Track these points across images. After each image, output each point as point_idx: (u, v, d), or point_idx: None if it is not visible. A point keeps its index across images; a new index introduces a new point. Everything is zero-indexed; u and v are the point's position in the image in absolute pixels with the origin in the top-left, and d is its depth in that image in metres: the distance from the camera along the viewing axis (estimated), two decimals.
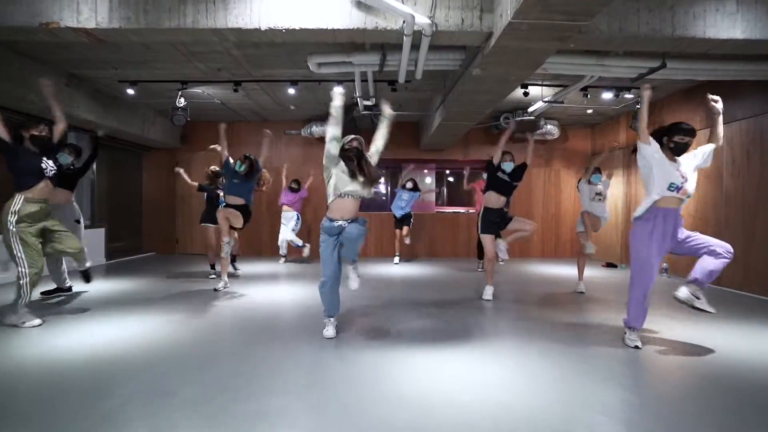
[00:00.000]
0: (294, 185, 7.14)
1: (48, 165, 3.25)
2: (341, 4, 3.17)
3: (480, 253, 6.53)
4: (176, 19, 3.17)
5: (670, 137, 2.91)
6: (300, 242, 6.97)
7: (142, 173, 8.69)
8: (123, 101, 6.71)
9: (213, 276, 5.56)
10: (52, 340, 2.93)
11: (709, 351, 2.88)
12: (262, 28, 3.20)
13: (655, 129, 3.05)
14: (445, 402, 2.08)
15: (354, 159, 2.86)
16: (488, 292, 4.44)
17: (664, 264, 6.29)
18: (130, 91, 6.03)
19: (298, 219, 7.06)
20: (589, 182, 5.01)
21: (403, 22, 3.11)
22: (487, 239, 4.39)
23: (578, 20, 2.73)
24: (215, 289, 4.66)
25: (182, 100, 6.15)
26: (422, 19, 3.10)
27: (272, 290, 4.91)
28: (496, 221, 4.40)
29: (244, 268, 6.43)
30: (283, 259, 7.30)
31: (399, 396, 2.14)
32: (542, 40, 3.04)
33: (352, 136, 2.96)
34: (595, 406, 2.05)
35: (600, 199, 4.99)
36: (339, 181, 2.87)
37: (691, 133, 2.89)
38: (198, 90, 6.32)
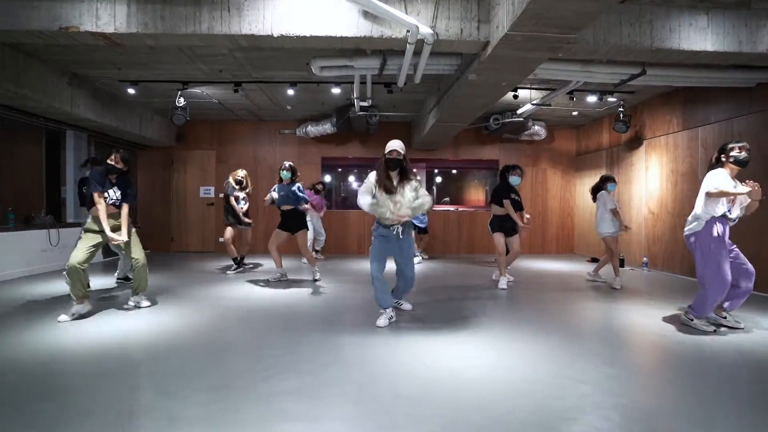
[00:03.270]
0: (318, 187, 7.31)
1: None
2: (350, 13, 3.39)
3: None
4: (192, 25, 3.34)
5: (726, 155, 3.18)
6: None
7: (138, 171, 8.72)
8: (122, 100, 6.78)
9: (235, 269, 6.08)
10: (85, 329, 3.09)
11: (695, 334, 3.20)
12: (275, 35, 3.39)
13: (711, 162, 3.31)
14: (450, 378, 2.33)
15: (394, 169, 3.26)
16: (503, 282, 4.92)
17: (644, 258, 6.69)
18: (131, 91, 6.12)
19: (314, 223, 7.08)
20: (600, 190, 5.20)
21: (407, 31, 3.34)
22: (496, 236, 4.97)
23: (568, 33, 3.00)
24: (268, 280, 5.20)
25: (182, 99, 6.26)
26: (425, 29, 3.34)
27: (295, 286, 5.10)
28: (503, 224, 4.94)
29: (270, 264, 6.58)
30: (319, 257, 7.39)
31: (411, 373, 2.38)
32: (535, 50, 3.31)
33: (396, 145, 3.27)
34: (585, 380, 2.33)
35: (619, 209, 5.17)
36: (381, 209, 3.23)
37: (746, 147, 3.16)
38: (197, 90, 6.44)
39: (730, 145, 3.18)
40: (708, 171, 3.26)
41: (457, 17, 3.44)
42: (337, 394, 2.12)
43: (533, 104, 6.42)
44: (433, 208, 7.55)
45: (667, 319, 3.56)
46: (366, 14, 3.39)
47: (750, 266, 3.22)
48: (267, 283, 5.04)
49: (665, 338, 3.08)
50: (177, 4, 3.33)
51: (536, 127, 8.18)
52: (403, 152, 3.27)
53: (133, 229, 3.92)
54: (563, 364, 2.54)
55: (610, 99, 6.50)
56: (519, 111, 6.95)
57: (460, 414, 1.92)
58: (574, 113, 7.64)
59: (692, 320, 3.27)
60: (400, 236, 3.28)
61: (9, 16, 3.22)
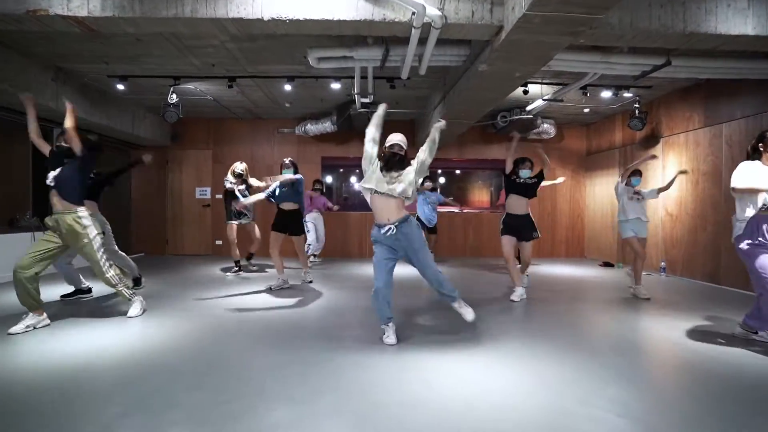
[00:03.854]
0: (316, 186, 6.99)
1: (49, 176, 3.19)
2: None
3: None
4: (174, 7, 3.02)
5: (765, 143, 2.86)
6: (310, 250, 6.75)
7: (131, 172, 8.41)
8: (112, 97, 6.48)
9: (235, 271, 5.93)
10: (48, 345, 2.76)
11: (713, 347, 2.84)
12: (265, 18, 3.06)
13: (747, 152, 2.99)
14: (463, 408, 1.98)
15: (394, 167, 2.87)
16: (515, 293, 4.36)
17: (662, 262, 6.32)
18: (120, 87, 5.82)
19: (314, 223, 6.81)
20: (627, 184, 4.78)
21: (413, 13, 3.00)
22: (504, 240, 4.39)
23: (594, 13, 2.66)
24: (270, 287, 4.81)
25: (174, 96, 5.96)
26: (433, 11, 3.00)
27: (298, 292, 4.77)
28: (515, 225, 4.40)
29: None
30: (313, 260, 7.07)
31: (419, 402, 2.04)
32: (554, 34, 2.97)
33: (398, 138, 2.97)
34: (613, 409, 1.98)
35: (638, 199, 4.71)
36: (377, 181, 2.85)
37: None
38: (191, 86, 6.14)
39: None
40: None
41: None
42: (333, 428, 1.78)
43: (544, 99, 6.07)
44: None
45: (697, 333, 3.20)
46: None
47: None
48: (269, 291, 4.69)
49: (700, 355, 2.72)
50: None
51: (545, 125, 7.83)
52: (405, 147, 2.96)
53: (89, 237, 3.26)
54: (592, 390, 2.19)
55: (626, 94, 6.15)
56: (529, 107, 6.61)
57: None
58: (586, 110, 7.29)
59: (756, 333, 2.94)
60: (395, 233, 2.82)
61: None
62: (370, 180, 2.87)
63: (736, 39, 3.27)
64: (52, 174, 3.22)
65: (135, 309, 3.51)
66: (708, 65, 4.23)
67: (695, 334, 3.20)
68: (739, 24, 3.18)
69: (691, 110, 5.96)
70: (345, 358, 2.61)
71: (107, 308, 3.83)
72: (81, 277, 4.26)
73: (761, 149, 2.87)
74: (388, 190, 2.82)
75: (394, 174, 2.86)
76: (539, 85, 5.93)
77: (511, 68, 3.71)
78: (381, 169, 2.88)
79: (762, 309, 2.84)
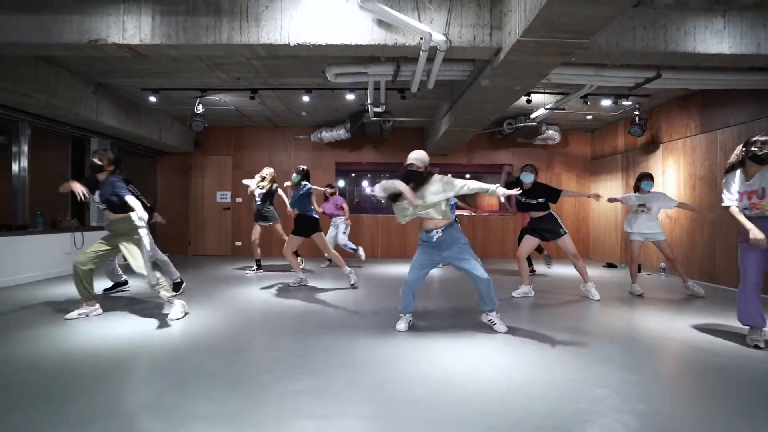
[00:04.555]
0: (328, 191, 7.11)
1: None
2: (364, 22, 3.47)
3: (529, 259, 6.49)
4: (212, 35, 3.47)
5: (747, 150, 2.97)
6: (353, 246, 6.95)
7: (157, 177, 8.97)
8: (143, 107, 7.01)
9: (254, 270, 6.42)
10: (102, 329, 3.21)
11: (707, 340, 3.16)
12: (291, 44, 3.49)
13: (731, 161, 3.13)
14: (466, 381, 2.35)
15: (413, 182, 3.07)
16: (520, 290, 4.62)
17: (662, 263, 6.58)
18: (152, 99, 6.32)
19: (344, 224, 6.99)
20: (638, 189, 4.77)
21: (421, 39, 3.40)
22: (526, 240, 4.61)
23: (580, 38, 3.02)
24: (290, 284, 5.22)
25: (200, 107, 6.45)
26: (438, 36, 3.40)
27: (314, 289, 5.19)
28: (537, 228, 4.56)
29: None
30: (326, 263, 7.30)
31: (425, 377, 2.41)
32: (547, 56, 3.33)
33: (413, 156, 3.18)
34: (601, 384, 2.33)
35: (643, 211, 4.70)
36: (401, 211, 3.13)
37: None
38: (215, 97, 6.62)
39: (753, 139, 2.98)
40: (726, 172, 3.11)
41: (470, 24, 3.49)
42: (352, 395, 2.16)
43: (547, 108, 6.41)
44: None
45: (687, 327, 3.51)
46: (380, 22, 3.47)
47: None
48: (288, 288, 5.07)
49: (685, 345, 3.04)
50: (198, 16, 3.46)
51: (550, 132, 8.15)
52: (423, 164, 3.14)
53: (137, 236, 3.59)
54: (578, 368, 2.54)
55: (625, 102, 6.45)
56: (532, 115, 6.94)
57: (475, 417, 1.94)
58: (589, 117, 7.59)
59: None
60: (441, 238, 3.08)
61: (42, 30, 3.39)
62: (405, 211, 3.14)
63: (713, 57, 3.59)
64: (96, 197, 3.55)
65: (175, 312, 3.55)
66: (697, 77, 4.54)
67: (687, 327, 3.51)
68: (716, 44, 3.51)
69: (688, 117, 6.24)
70: (362, 342, 2.99)
71: (150, 302, 4.28)
72: (120, 271, 4.72)
73: (743, 155, 3.01)
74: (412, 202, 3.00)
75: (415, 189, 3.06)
76: (542, 95, 6.27)
77: (510, 83, 4.08)
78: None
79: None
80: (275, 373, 2.44)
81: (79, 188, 3.39)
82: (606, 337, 3.21)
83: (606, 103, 6.39)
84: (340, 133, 7.97)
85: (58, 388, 2.20)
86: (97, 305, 3.66)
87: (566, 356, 2.74)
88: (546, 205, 4.54)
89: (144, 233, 3.55)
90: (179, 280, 4.70)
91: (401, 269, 6.89)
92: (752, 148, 2.94)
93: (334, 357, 2.70)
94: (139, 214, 3.30)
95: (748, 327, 3.02)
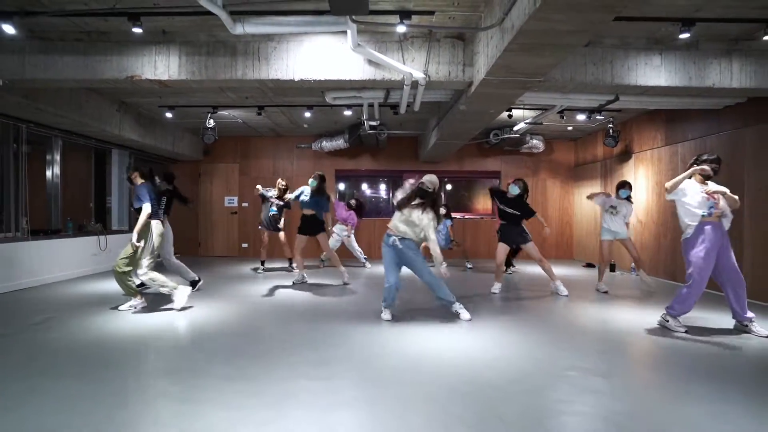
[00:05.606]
0: (351, 203, 7.59)
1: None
2: (357, 62, 4.13)
3: (507, 260, 7.03)
4: (229, 72, 4.13)
5: (699, 165, 3.50)
6: (363, 257, 7.66)
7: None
8: (159, 121, 7.68)
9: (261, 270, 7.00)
10: (146, 319, 3.88)
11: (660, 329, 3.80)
12: (296, 79, 4.15)
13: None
14: (437, 356, 3.01)
15: (417, 196, 3.77)
16: (495, 287, 5.25)
17: (633, 263, 7.20)
18: (169, 115, 6.99)
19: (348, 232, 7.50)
20: (617, 195, 5.30)
21: (403, 76, 4.06)
22: (500, 247, 5.21)
23: (535, 77, 3.66)
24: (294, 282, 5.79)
25: (212, 121, 7.11)
26: (418, 74, 4.05)
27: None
28: (503, 233, 5.17)
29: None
30: (322, 264, 7.84)
31: (403, 353, 3.06)
32: (510, 89, 3.98)
33: (425, 178, 3.84)
34: (560, 362, 2.98)
35: (613, 213, 5.23)
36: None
37: (716, 161, 3.49)
38: (225, 113, 7.28)
39: (703, 158, 3.54)
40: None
41: (446, 62, 4.14)
42: (344, 365, 2.82)
43: (526, 123, 7.05)
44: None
45: (645, 319, 4.15)
46: (370, 62, 4.12)
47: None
48: (291, 285, 5.69)
49: (641, 334, 3.68)
50: (218, 56, 4.12)
51: (534, 141, 8.78)
52: (432, 187, 3.78)
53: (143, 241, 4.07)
54: (548, 350, 3.18)
55: (599, 117, 7.07)
56: (515, 128, 7.58)
57: (442, 379, 2.59)
58: (569, 128, 8.21)
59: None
60: (398, 245, 3.78)
61: (88, 68, 4.06)
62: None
63: (652, 89, 4.24)
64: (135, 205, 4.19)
65: (179, 300, 4.15)
66: (651, 100, 5.18)
67: (645, 319, 4.14)
68: (654, 77, 4.15)
69: (656, 131, 6.88)
70: (355, 329, 3.64)
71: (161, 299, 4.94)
72: (189, 270, 5.23)
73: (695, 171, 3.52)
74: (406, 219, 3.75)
75: (414, 203, 3.74)
76: (522, 110, 6.90)
77: (484, 108, 4.73)
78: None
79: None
80: (284, 349, 3.09)
81: None
82: (574, 327, 3.85)
83: (581, 117, 7.02)
84: (339, 143, 8.63)
85: (103, 362, 2.86)
86: (142, 299, 4.21)
87: (535, 342, 3.38)
88: (520, 219, 5.18)
89: (155, 233, 4.13)
90: (197, 278, 5.29)
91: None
92: (702, 166, 3.50)
93: (330, 338, 3.35)
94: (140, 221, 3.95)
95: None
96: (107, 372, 2.63)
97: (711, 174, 3.51)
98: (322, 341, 3.28)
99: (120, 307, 4.13)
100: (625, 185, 5.39)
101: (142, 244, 4.02)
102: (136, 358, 2.91)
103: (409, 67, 4.02)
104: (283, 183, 6.83)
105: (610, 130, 7.25)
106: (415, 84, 4.27)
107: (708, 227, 3.42)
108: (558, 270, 7.67)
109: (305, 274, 5.93)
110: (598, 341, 3.45)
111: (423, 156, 8.84)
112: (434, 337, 3.42)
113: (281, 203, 6.74)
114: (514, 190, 5.14)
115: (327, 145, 8.81)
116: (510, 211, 5.16)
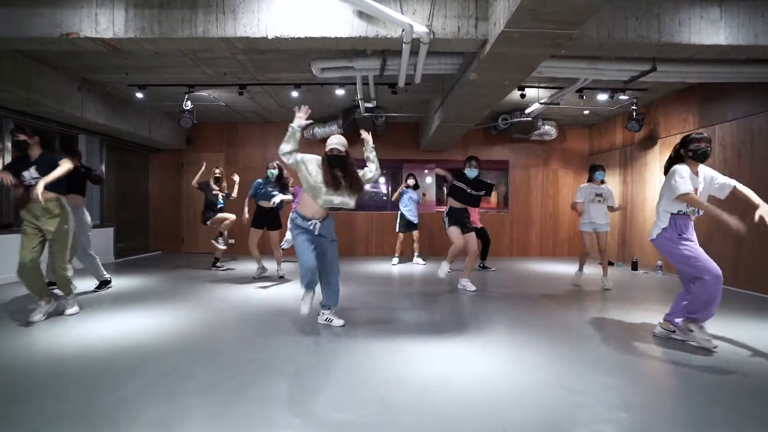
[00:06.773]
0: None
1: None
2: (344, 14, 3.35)
3: (483, 253, 6.70)
4: (188, 29, 3.36)
5: (686, 149, 2.90)
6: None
7: (149, 174, 8.88)
8: (131, 104, 6.91)
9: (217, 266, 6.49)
10: (74, 331, 3.12)
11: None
12: (269, 37, 3.38)
13: (671, 156, 3.03)
14: (440, 383, 2.26)
15: (337, 167, 3.00)
16: (443, 269, 4.76)
17: (659, 261, 6.46)
18: (139, 95, 6.22)
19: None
20: (591, 180, 5.04)
21: (402, 30, 3.28)
22: (452, 231, 4.70)
23: (568, 29, 2.89)
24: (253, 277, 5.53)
25: (189, 103, 6.34)
26: (420, 28, 3.27)
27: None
28: (460, 218, 4.71)
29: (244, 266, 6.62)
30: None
31: (398, 379, 2.32)
32: (534, 47, 3.21)
33: (335, 141, 3.04)
34: (574, 385, 2.23)
35: (600, 201, 4.96)
36: (314, 191, 2.99)
37: (705, 139, 2.88)
38: (204, 93, 6.51)
39: (691, 137, 2.88)
40: (666, 167, 2.97)
41: (455, 15, 3.36)
42: (322, 377, 2.07)
43: (541, 103, 6.28)
44: (433, 210, 7.41)
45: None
46: (361, 14, 3.35)
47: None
48: (253, 280, 5.36)
49: (667, 343, 2.94)
50: (173, 8, 3.35)
51: (546, 127, 8.01)
52: (344, 149, 3.06)
53: (66, 225, 3.36)
54: (545, 361, 2.44)
55: (622, 97, 6.30)
56: (527, 110, 6.81)
57: (449, 421, 1.84)
58: (585, 112, 7.44)
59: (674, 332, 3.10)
60: (317, 232, 3.03)
61: (12, 24, 3.29)
62: (311, 191, 3.03)
63: (710, 48, 3.46)
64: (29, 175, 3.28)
65: (73, 308, 3.55)
66: (693, 70, 4.39)
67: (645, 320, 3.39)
68: (712, 35, 3.37)
69: (687, 112, 6.09)
70: (332, 342, 2.90)
71: (127, 301, 4.19)
72: (101, 267, 4.66)
73: (683, 154, 2.90)
74: (329, 203, 3.00)
75: (338, 174, 3.00)
76: (536, 89, 6.13)
77: (499, 77, 3.95)
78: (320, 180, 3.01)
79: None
80: (250, 374, 2.34)
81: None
82: (587, 338, 3.11)
83: (602, 97, 6.24)
84: (333, 129, 7.85)
85: (20, 391, 2.11)
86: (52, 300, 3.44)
87: (540, 356, 2.63)
88: (479, 200, 4.86)
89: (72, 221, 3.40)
90: (108, 278, 4.74)
91: (394, 268, 6.80)
92: (691, 146, 2.88)
93: (309, 360, 2.60)
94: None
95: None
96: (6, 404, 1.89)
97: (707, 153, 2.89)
98: (296, 358, 2.53)
99: (66, 311, 3.44)
100: (598, 168, 5.11)
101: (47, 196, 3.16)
102: (51, 387, 2.16)
103: (409, 18, 3.23)
104: (218, 171, 6.33)
105: (634, 113, 6.48)
106: (416, 43, 3.49)
107: (685, 219, 3.00)
108: (567, 268, 6.94)
109: (262, 266, 5.65)
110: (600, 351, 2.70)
111: (424, 143, 8.07)
112: (433, 353, 2.67)
113: (226, 194, 6.37)
114: (473, 173, 4.77)
115: (319, 131, 8.03)
116: (476, 193, 4.79)
